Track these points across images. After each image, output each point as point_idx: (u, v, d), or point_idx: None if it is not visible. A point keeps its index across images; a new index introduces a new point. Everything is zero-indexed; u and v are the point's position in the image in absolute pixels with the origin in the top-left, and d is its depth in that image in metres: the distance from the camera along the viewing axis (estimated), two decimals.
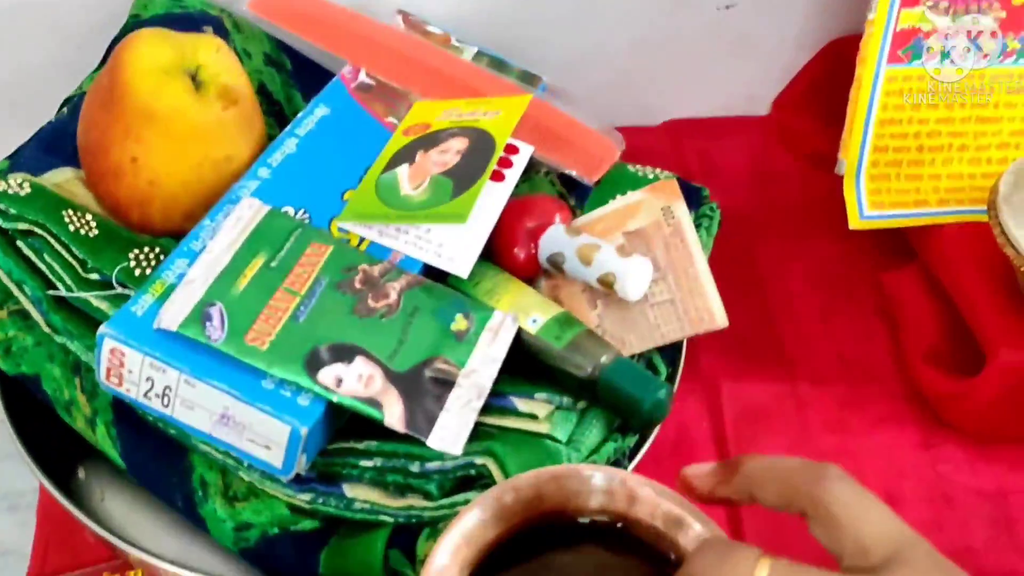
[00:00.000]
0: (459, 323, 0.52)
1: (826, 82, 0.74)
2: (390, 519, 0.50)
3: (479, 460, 0.49)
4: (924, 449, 0.62)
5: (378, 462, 0.50)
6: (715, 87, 0.78)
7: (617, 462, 0.53)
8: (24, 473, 0.54)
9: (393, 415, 0.48)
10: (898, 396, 0.64)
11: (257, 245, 0.52)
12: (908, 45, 0.62)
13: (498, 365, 0.51)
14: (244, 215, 0.53)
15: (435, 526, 0.49)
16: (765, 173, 0.75)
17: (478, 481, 0.50)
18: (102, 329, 0.48)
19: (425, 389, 0.49)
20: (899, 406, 0.63)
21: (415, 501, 0.50)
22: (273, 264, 0.51)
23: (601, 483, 0.40)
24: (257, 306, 0.50)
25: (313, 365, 0.48)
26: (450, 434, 0.48)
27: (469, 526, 0.38)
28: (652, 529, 0.40)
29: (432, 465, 0.49)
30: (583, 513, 0.40)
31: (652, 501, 0.40)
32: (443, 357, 0.50)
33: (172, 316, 0.48)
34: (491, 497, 0.39)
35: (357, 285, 0.52)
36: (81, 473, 0.57)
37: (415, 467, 0.49)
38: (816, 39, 0.76)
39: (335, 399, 0.48)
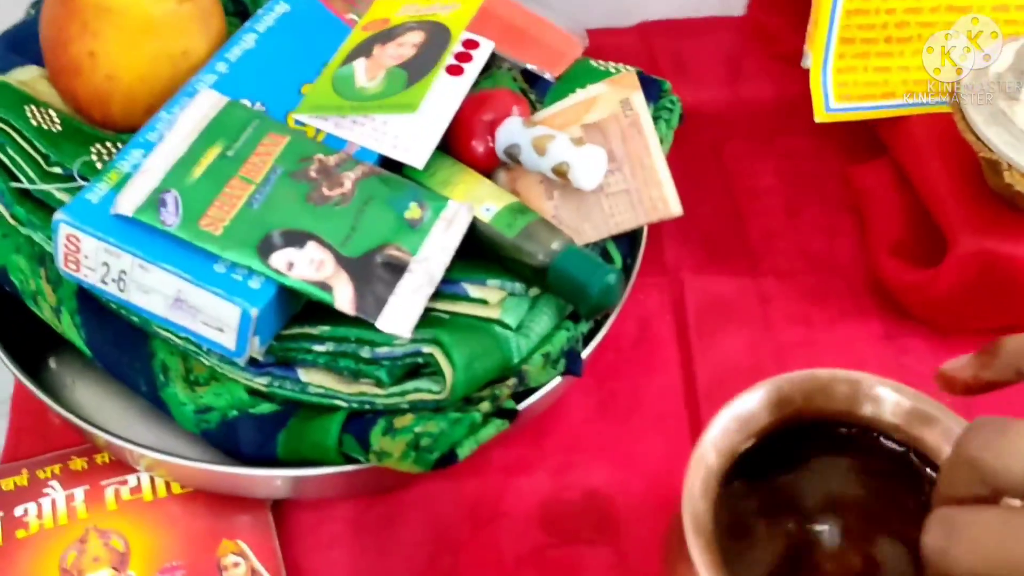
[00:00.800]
0: (413, 211, 0.53)
1: None
2: (344, 404, 0.51)
3: (426, 349, 0.50)
4: (887, 340, 0.62)
5: (331, 347, 0.51)
6: None
7: (571, 350, 0.54)
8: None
9: (343, 298, 0.49)
10: (862, 290, 0.64)
11: (214, 135, 0.53)
12: None
13: (451, 254, 0.52)
14: (203, 105, 0.54)
15: (390, 418, 0.50)
16: (738, 73, 0.75)
17: (425, 369, 0.51)
18: (57, 215, 0.49)
19: (376, 274, 0.50)
20: (863, 300, 0.64)
21: (367, 388, 0.51)
22: (230, 153, 0.52)
23: (848, 387, 0.40)
24: (212, 193, 0.50)
25: (265, 250, 0.49)
26: (399, 317, 0.49)
27: (746, 408, 0.39)
28: (893, 427, 0.40)
29: (381, 351, 0.50)
30: (837, 417, 0.40)
31: (893, 400, 0.40)
32: (396, 244, 0.51)
33: (128, 202, 0.49)
34: (772, 384, 0.39)
35: (312, 174, 0.52)
36: (52, 363, 0.59)
37: (365, 352, 0.50)
38: None
39: (286, 282, 0.49)
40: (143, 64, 0.55)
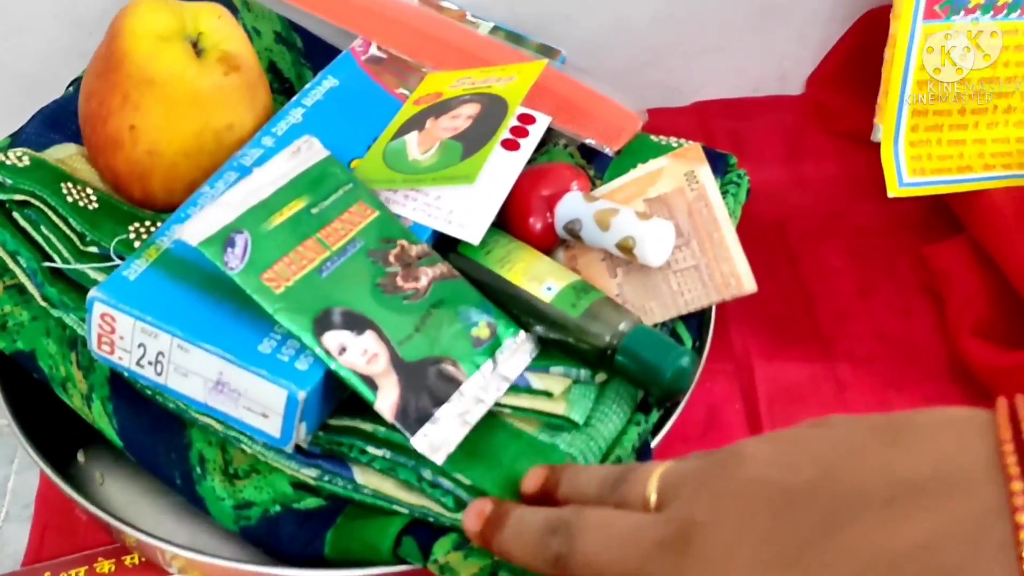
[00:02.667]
0: (481, 330, 0.49)
1: (863, 56, 0.71)
2: (405, 511, 0.47)
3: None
4: None
5: (387, 454, 0.46)
6: (744, 65, 0.75)
7: (644, 445, 0.50)
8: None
9: (386, 401, 0.45)
10: (944, 375, 0.60)
11: (303, 187, 0.49)
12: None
13: (506, 386, 0.48)
14: (302, 149, 0.51)
15: (463, 534, 0.45)
16: (799, 151, 0.72)
17: None
18: (92, 293, 0.46)
19: (425, 386, 0.46)
20: (944, 385, 0.59)
21: (431, 504, 0.46)
22: (314, 211, 0.49)
23: None
24: (284, 248, 0.47)
25: (322, 326, 0.45)
26: (437, 440, 0.45)
27: None
28: None
29: (446, 483, 0.46)
30: None
31: None
32: (454, 360, 0.47)
33: (196, 231, 0.45)
34: None
35: (391, 259, 0.49)
36: (81, 457, 0.55)
37: (427, 474, 0.46)
38: (851, 11, 0.73)
39: (333, 366, 0.45)
40: (186, 138, 0.52)
